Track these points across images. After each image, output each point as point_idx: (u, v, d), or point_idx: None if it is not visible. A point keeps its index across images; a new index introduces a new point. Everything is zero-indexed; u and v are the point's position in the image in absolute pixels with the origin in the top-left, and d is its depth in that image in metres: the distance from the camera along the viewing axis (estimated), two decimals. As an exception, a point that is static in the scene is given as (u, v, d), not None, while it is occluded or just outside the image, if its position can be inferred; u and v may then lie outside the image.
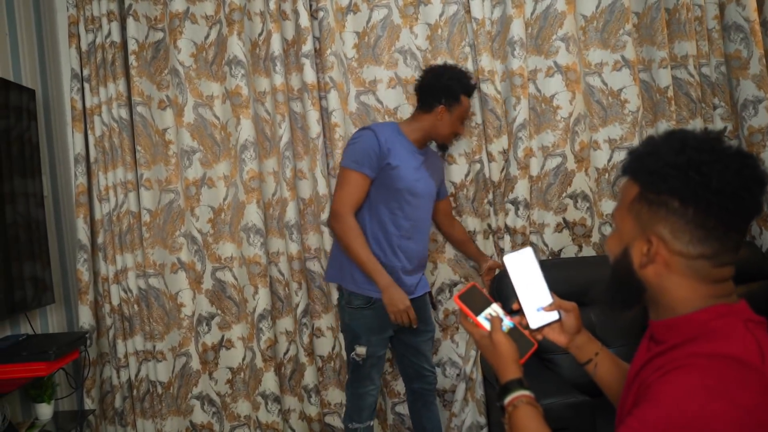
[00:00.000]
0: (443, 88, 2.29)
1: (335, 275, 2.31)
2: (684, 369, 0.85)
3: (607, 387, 1.20)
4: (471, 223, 2.71)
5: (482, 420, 2.64)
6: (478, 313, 1.17)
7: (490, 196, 2.71)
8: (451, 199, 2.72)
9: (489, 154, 2.70)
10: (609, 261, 1.02)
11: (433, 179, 2.39)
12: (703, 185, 0.87)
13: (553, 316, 1.18)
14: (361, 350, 2.22)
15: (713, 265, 0.90)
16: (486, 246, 2.73)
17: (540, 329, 1.19)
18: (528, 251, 1.22)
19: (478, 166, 2.69)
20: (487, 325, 1.16)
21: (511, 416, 1.04)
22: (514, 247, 2.73)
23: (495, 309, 1.19)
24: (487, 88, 2.66)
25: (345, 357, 2.42)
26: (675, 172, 0.88)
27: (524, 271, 1.21)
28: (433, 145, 2.48)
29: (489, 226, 2.73)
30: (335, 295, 2.65)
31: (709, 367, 0.84)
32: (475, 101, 2.67)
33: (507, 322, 1.17)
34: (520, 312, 1.19)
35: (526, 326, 1.18)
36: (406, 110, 2.68)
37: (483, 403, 2.66)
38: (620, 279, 0.97)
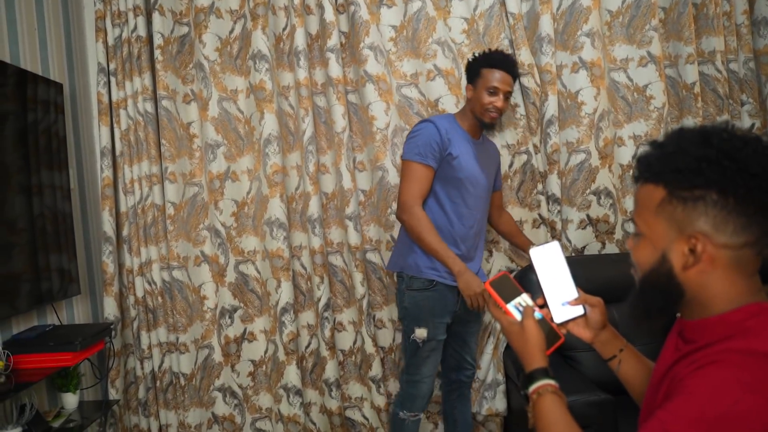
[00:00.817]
0: (467, 70, 2.37)
1: (396, 263, 2.35)
2: (718, 364, 0.85)
3: (631, 384, 1.19)
4: (517, 213, 2.72)
5: (500, 377, 2.69)
6: (508, 301, 1.17)
7: (540, 187, 2.71)
8: None
9: (535, 146, 2.71)
10: (637, 273, 0.99)
11: (491, 169, 2.42)
12: (741, 171, 0.86)
13: (578, 310, 1.18)
14: (421, 332, 2.25)
15: (756, 253, 0.89)
16: (537, 236, 2.72)
17: (565, 324, 1.19)
18: (555, 245, 1.22)
19: (524, 157, 2.69)
20: (516, 314, 1.15)
21: (536, 404, 1.04)
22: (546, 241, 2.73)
23: (525, 299, 1.18)
24: (528, 81, 2.67)
25: (401, 344, 2.46)
26: (708, 164, 0.87)
27: (550, 264, 1.20)
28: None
29: (540, 215, 2.72)
30: (359, 290, 2.70)
31: (743, 362, 0.84)
32: (517, 93, 2.68)
33: (536, 314, 1.16)
34: (545, 306, 1.18)
35: (551, 320, 1.18)
36: (449, 102, 2.68)
37: (501, 361, 2.70)
38: (658, 286, 0.95)
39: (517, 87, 2.66)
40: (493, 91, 2.28)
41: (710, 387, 0.83)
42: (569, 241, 2.77)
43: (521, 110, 2.69)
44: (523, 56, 2.65)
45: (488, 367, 2.69)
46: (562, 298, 1.18)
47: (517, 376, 2.55)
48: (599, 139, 2.70)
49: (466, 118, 2.35)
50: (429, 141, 2.22)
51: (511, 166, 2.72)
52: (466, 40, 2.71)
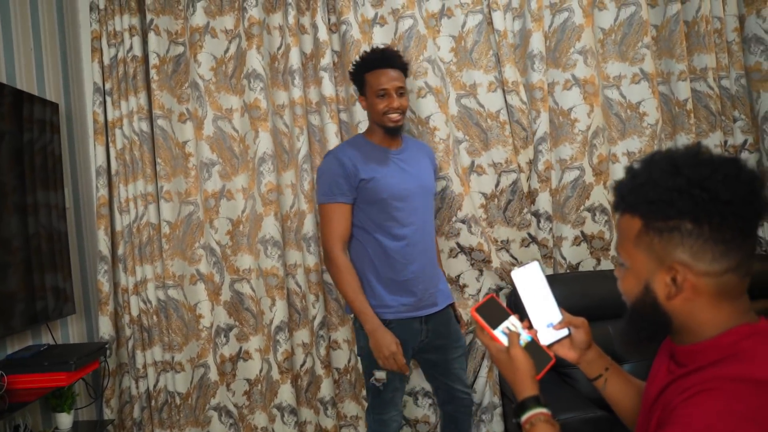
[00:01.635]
0: (353, 82, 2.27)
1: (348, 306, 2.23)
2: (710, 393, 0.84)
3: (617, 404, 1.19)
4: (504, 232, 2.71)
5: (496, 400, 2.66)
6: (495, 326, 1.17)
7: (530, 206, 2.71)
8: (481, 210, 2.72)
9: (520, 165, 2.70)
10: (626, 302, 1.00)
11: (426, 172, 2.29)
12: (712, 200, 0.86)
13: (563, 332, 1.18)
14: (380, 375, 2.13)
15: (740, 276, 0.89)
16: (528, 255, 2.71)
17: (551, 346, 1.19)
18: (534, 266, 1.22)
19: (512, 176, 2.68)
20: (503, 340, 1.15)
21: None
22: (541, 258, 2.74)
23: (513, 322, 1.18)
24: (512, 99, 2.67)
25: (364, 380, 2.32)
26: (679, 194, 0.87)
27: (532, 286, 1.21)
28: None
29: (529, 235, 2.71)
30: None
31: (735, 391, 0.83)
32: (502, 111, 2.67)
33: (525, 336, 1.16)
34: (529, 327, 1.18)
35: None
36: (439, 119, 2.66)
37: (498, 384, 2.68)
38: (645, 316, 0.95)
39: (501, 104, 2.65)
40: (383, 93, 2.15)
41: (704, 419, 0.82)
42: (564, 258, 2.77)
43: (508, 129, 2.68)
44: (508, 73, 2.66)
45: (483, 389, 2.69)
46: (546, 319, 1.18)
47: (511, 402, 2.55)
48: (593, 156, 2.71)
49: (374, 131, 2.23)
50: (333, 177, 2.14)
51: (497, 185, 2.71)
52: (454, 58, 2.72)
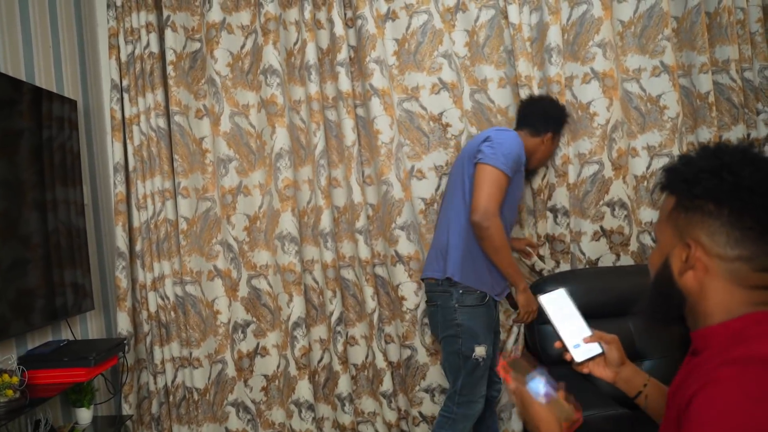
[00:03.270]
0: (556, 119, 2.45)
1: (453, 270, 2.24)
2: (717, 383, 0.83)
3: (660, 417, 1.17)
4: (516, 232, 2.71)
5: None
6: (523, 379, 1.17)
7: (530, 204, 2.70)
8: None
9: None
10: (651, 277, 1.02)
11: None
12: (736, 184, 0.88)
13: (596, 348, 1.19)
14: (481, 350, 2.21)
15: (752, 269, 0.90)
16: (541, 252, 2.74)
17: (585, 362, 1.19)
18: (561, 292, 1.25)
19: None
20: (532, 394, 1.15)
21: None
22: (554, 255, 2.72)
23: (539, 378, 1.17)
24: (524, 94, 2.64)
25: (447, 364, 2.32)
26: (708, 175, 0.91)
27: (561, 308, 1.23)
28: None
29: (537, 234, 2.72)
30: (370, 304, 2.68)
31: (744, 373, 0.82)
32: (511, 107, 2.69)
33: (548, 390, 1.15)
34: (563, 349, 1.19)
35: (571, 361, 1.19)
36: (452, 115, 2.68)
37: None
38: (661, 290, 0.98)
39: (510, 101, 2.69)
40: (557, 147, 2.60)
41: (718, 411, 0.80)
42: (583, 254, 2.75)
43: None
44: (521, 68, 2.64)
45: (502, 387, 2.66)
46: (578, 338, 1.20)
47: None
48: (612, 150, 2.68)
49: (528, 150, 2.39)
50: (516, 156, 2.22)
51: None
52: (468, 52, 2.71)
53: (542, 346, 2.48)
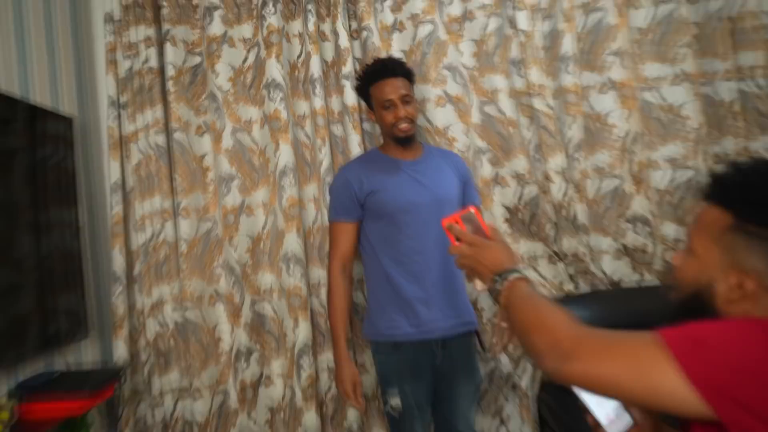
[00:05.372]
0: (360, 96, 2.25)
1: (364, 328, 2.22)
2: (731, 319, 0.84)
3: None
4: (531, 247, 2.59)
5: None
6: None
7: (554, 218, 2.58)
8: (506, 224, 2.58)
9: (546, 175, 2.56)
10: (676, 288, 0.97)
11: (444, 183, 2.16)
12: None
13: (628, 419, 1.12)
14: (395, 402, 2.02)
15: None
16: (555, 272, 2.59)
17: None
18: None
19: (533, 187, 2.56)
20: None
21: (509, 294, 1.03)
22: (573, 275, 2.60)
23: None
24: (537, 103, 2.53)
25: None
26: None
27: None
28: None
29: (554, 252, 2.59)
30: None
31: (744, 324, 0.82)
32: (522, 120, 2.55)
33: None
34: (596, 425, 1.13)
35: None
36: (457, 129, 2.58)
37: (537, 423, 2.50)
38: (695, 311, 0.90)
39: (507, 109, 2.55)
40: (389, 104, 2.09)
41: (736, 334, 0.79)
42: (603, 273, 2.60)
43: (525, 134, 2.56)
44: (533, 76, 2.54)
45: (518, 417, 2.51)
46: (609, 411, 1.13)
47: (555, 418, 2.37)
48: (632, 163, 2.56)
49: (387, 144, 2.20)
50: (337, 194, 2.17)
51: (520, 198, 2.60)
52: (476, 63, 2.62)
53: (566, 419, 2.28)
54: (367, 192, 2.09)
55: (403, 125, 2.09)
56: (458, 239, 1.18)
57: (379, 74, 2.11)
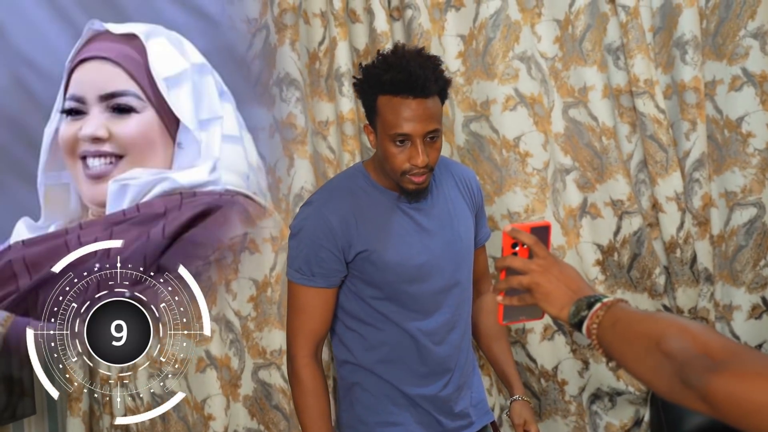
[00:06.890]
0: (360, 97, 1.53)
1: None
2: None
3: None
4: (633, 301, 2.10)
5: None
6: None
7: (664, 261, 2.11)
8: (598, 268, 2.13)
9: (654, 202, 2.10)
10: None
11: (455, 221, 1.60)
12: None
13: None
14: None
15: None
16: None
17: None
18: None
19: (637, 219, 2.10)
20: None
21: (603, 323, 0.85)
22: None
23: None
24: (643, 105, 2.06)
25: None
26: None
27: None
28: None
29: (664, 306, 2.14)
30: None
31: None
32: (622, 127, 2.09)
33: None
34: None
35: None
36: (532, 140, 2.11)
37: None
38: None
39: (601, 113, 2.12)
40: (404, 140, 1.41)
41: None
42: (737, 337, 2.12)
43: (626, 148, 2.11)
44: (638, 68, 2.07)
45: None
46: None
47: None
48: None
49: (380, 168, 1.53)
50: (312, 246, 1.50)
51: (618, 233, 2.12)
52: (558, 51, 2.18)
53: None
54: (359, 250, 1.50)
55: (419, 177, 1.45)
56: (514, 250, 0.99)
57: (399, 87, 1.40)
